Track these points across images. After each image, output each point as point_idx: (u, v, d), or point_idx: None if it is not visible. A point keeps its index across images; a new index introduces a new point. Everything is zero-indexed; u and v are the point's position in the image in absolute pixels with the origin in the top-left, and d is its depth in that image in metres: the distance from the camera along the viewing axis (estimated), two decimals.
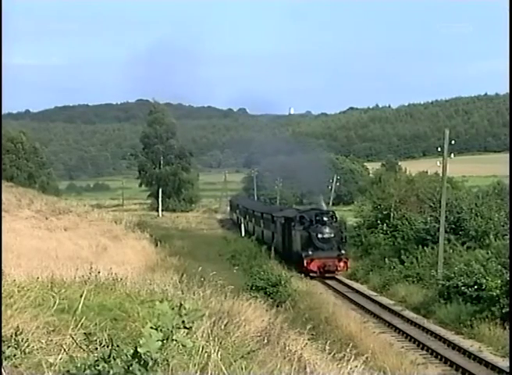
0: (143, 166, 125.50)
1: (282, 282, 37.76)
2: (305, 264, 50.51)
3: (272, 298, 33.56)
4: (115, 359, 5.48)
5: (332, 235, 52.06)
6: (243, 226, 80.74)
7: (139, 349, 5.34)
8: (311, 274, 49.90)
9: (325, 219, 52.78)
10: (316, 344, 17.31)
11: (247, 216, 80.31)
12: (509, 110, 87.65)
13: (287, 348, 13.43)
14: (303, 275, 48.84)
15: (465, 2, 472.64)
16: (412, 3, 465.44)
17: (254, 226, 75.02)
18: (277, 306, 28.35)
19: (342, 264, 50.85)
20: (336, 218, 55.66)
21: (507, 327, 30.00)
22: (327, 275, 50.17)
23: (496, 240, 38.15)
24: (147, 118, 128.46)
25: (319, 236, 51.85)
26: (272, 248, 57.88)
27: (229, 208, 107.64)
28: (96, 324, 9.62)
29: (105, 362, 5.45)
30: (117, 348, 5.74)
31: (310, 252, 51.00)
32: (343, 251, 51.22)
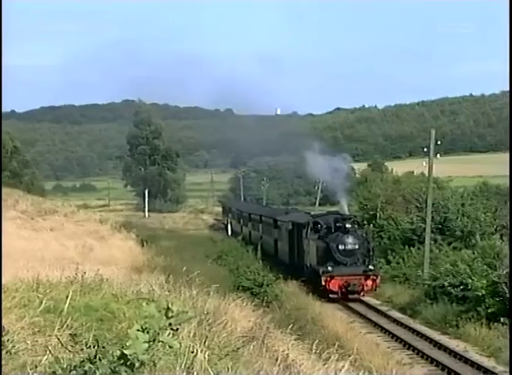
0: (128, 167, 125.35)
1: (269, 282, 37.80)
2: (323, 282, 40.54)
3: (258, 299, 33.57)
4: (101, 360, 5.48)
5: (357, 246, 41.80)
6: (231, 229, 79.52)
7: (125, 351, 5.34)
8: (330, 295, 40.59)
9: (347, 225, 42.06)
10: (302, 344, 17.32)
11: (242, 220, 74.35)
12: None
13: (273, 348, 13.43)
14: (312, 293, 40.33)
15: (452, 3, 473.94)
16: (398, 4, 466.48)
17: (250, 231, 68.42)
18: (264, 306, 28.34)
19: (369, 283, 40.83)
20: (359, 224, 45.47)
21: (493, 327, 30.12)
22: (351, 296, 40.78)
23: (481, 240, 38.28)
24: (133, 119, 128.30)
25: (340, 247, 41.62)
26: (258, 249, 56.57)
27: (221, 211, 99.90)
28: (82, 325, 9.60)
29: (91, 363, 5.45)
30: (103, 349, 5.74)
31: (329, 268, 40.83)
32: (370, 267, 41.07)
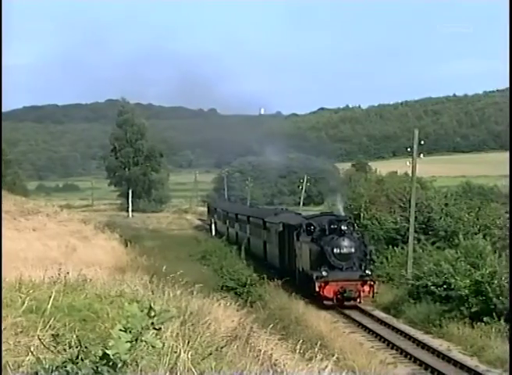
0: (112, 168, 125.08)
1: (252, 282, 37.80)
2: (317, 288, 38.10)
3: (242, 299, 33.55)
4: (83, 360, 5.45)
5: (353, 250, 39.10)
6: (215, 229, 79.05)
7: (108, 351, 5.32)
8: (325, 302, 38.17)
9: (343, 227, 39.29)
10: (286, 343, 17.33)
11: (228, 221, 72.05)
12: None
13: (257, 347, 13.42)
14: (305, 299, 38.32)
15: (436, 3, 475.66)
16: (381, 4, 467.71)
17: (237, 232, 65.95)
18: (247, 306, 28.34)
19: (367, 288, 38.30)
20: (354, 226, 42.49)
21: (475, 327, 30.24)
22: (347, 303, 38.26)
23: (464, 240, 38.42)
24: (117, 119, 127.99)
25: (336, 251, 38.92)
26: (242, 249, 56.07)
27: (206, 211, 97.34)
28: (65, 325, 9.56)
29: (74, 363, 5.42)
30: (86, 349, 5.72)
31: (323, 273, 38.22)
32: (367, 271, 38.57)
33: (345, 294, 37.84)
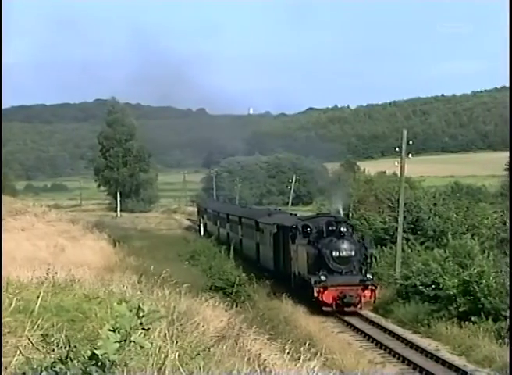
0: (100, 168, 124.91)
1: (241, 282, 37.78)
2: (315, 294, 36.02)
3: (231, 298, 33.56)
4: (72, 361, 5.46)
5: (353, 253, 37.04)
6: (204, 229, 78.72)
7: (96, 351, 5.32)
8: (323, 308, 36.13)
9: (342, 229, 37.28)
10: (275, 343, 17.33)
11: (219, 221, 70.30)
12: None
13: (246, 347, 13.43)
14: (300, 305, 36.78)
15: (427, 4, 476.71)
16: (370, 4, 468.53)
17: (228, 232, 64.48)
18: (236, 306, 28.35)
19: (367, 293, 36.28)
20: (353, 228, 40.45)
21: (464, 326, 30.34)
22: (347, 310, 36.13)
23: (453, 239, 38.53)
24: (107, 118, 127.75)
25: (335, 254, 36.87)
26: (231, 249, 55.69)
27: (196, 211, 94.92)
28: (53, 325, 9.54)
29: (62, 363, 5.43)
30: (74, 350, 5.72)
31: (322, 277, 36.18)
32: (368, 276, 36.65)
33: (345, 300, 35.80)
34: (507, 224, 44.43)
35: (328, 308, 35.96)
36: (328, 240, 37.46)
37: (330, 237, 37.54)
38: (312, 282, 36.22)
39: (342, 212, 42.82)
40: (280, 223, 45.28)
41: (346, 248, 37.05)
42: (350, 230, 38.44)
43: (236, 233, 60.15)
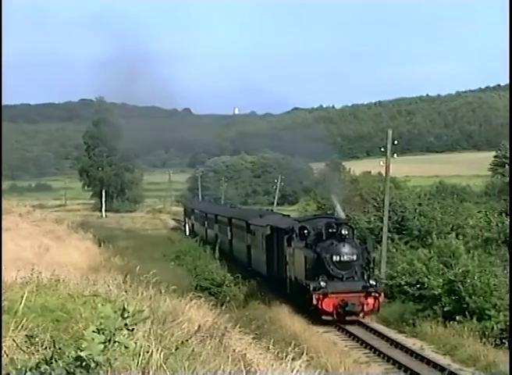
0: (85, 168, 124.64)
1: (227, 282, 37.83)
2: (315, 301, 33.24)
3: (216, 298, 33.57)
4: (56, 361, 5.45)
5: (355, 257, 34.31)
6: (189, 230, 78.19)
7: (81, 352, 5.33)
8: (323, 317, 33.41)
9: (343, 232, 34.40)
10: (260, 343, 17.36)
11: (207, 222, 68.42)
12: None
13: (231, 347, 13.44)
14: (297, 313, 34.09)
15: (410, 4, 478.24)
16: (355, 4, 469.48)
17: (216, 233, 62.53)
18: (221, 306, 28.36)
19: (370, 301, 33.48)
20: (354, 230, 37.36)
21: (448, 326, 30.46)
22: (348, 318, 33.37)
23: (438, 239, 38.67)
24: (92, 118, 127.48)
25: (335, 258, 34.14)
26: (216, 249, 55.38)
27: (183, 212, 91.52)
28: (37, 325, 9.52)
29: (47, 364, 5.42)
30: (59, 350, 5.71)
31: (322, 283, 33.39)
32: (372, 282, 33.71)
33: (346, 308, 33.05)
34: (492, 224, 44.63)
35: (329, 317, 33.29)
36: (328, 243, 34.65)
37: (330, 240, 34.73)
38: (311, 288, 33.37)
39: (343, 213, 39.32)
40: (274, 224, 42.85)
41: (347, 252, 34.22)
42: (351, 232, 35.53)
43: (225, 234, 58.45)
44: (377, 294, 33.44)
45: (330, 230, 35.07)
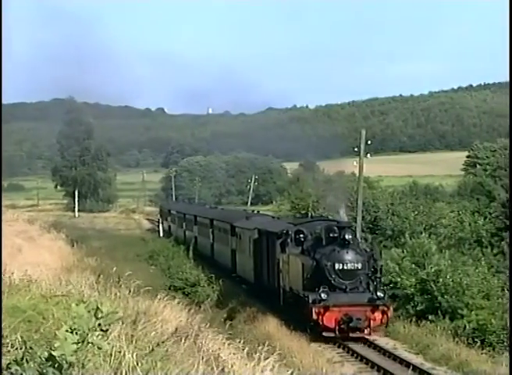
0: (58, 167, 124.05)
1: (201, 282, 37.79)
2: (314, 315, 29.11)
3: (190, 298, 33.53)
4: (28, 362, 5.41)
5: (360, 265, 30.00)
6: (163, 230, 77.59)
7: (53, 352, 5.28)
8: (324, 333, 29.20)
9: (346, 236, 30.10)
10: (234, 343, 17.35)
11: (186, 224, 65.45)
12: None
13: (205, 347, 13.41)
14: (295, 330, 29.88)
15: (381, 4, 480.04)
16: (329, 4, 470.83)
17: (196, 236, 59.60)
18: (195, 306, 28.31)
19: (378, 315, 29.32)
20: (357, 235, 34.30)
21: (421, 325, 30.60)
22: (352, 335, 29.24)
23: (410, 239, 38.86)
24: (64, 117, 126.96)
25: (338, 266, 29.91)
26: (190, 249, 55.62)
27: (159, 213, 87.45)
28: (8, 326, 9.44)
29: (18, 364, 5.37)
30: (31, 351, 5.67)
31: (322, 295, 29.15)
32: (379, 293, 29.46)
33: (351, 324, 28.96)
34: (465, 224, 44.95)
35: (330, 334, 29.20)
36: (329, 249, 30.35)
37: (331, 245, 30.46)
38: (310, 301, 29.28)
39: (344, 215, 36.03)
40: (263, 227, 38.94)
41: (351, 260, 30.02)
42: (355, 236, 31.79)
43: (206, 237, 55.25)
44: (385, 308, 29.41)
45: (331, 235, 30.85)
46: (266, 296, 36.16)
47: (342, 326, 29.04)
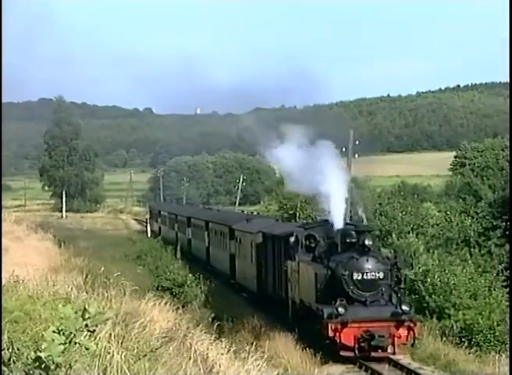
0: (45, 167, 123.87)
1: (189, 282, 37.72)
2: (330, 332, 25.29)
3: (178, 299, 33.48)
4: (15, 363, 5.38)
5: (381, 275, 26.29)
6: (151, 231, 77.15)
7: (40, 353, 5.26)
8: (341, 353, 25.38)
9: (366, 242, 26.34)
10: (221, 343, 17.34)
11: (178, 226, 63.39)
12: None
13: (192, 348, 13.40)
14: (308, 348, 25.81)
15: (368, 3, 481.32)
16: (316, 4, 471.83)
17: (190, 239, 57.41)
18: (183, 307, 28.29)
19: (403, 332, 25.59)
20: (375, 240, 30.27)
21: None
22: (374, 355, 25.47)
23: (398, 239, 38.89)
24: (52, 117, 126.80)
25: (356, 276, 26.15)
26: (177, 249, 55.02)
27: (148, 214, 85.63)
28: None
29: (5, 365, 5.35)
30: (17, 352, 5.64)
31: (340, 310, 25.29)
32: (404, 307, 25.73)
33: (372, 343, 25.23)
34: (452, 223, 45.03)
35: (349, 353, 25.48)
36: (346, 256, 26.68)
37: (348, 252, 26.86)
38: (325, 315, 25.53)
39: (364, 217, 32.32)
40: (267, 231, 35.70)
41: (371, 269, 26.31)
42: (373, 242, 27.67)
43: (201, 240, 52.67)
44: (411, 324, 25.70)
45: (348, 240, 27.45)
46: (271, 307, 33.31)
47: (362, 344, 25.50)
